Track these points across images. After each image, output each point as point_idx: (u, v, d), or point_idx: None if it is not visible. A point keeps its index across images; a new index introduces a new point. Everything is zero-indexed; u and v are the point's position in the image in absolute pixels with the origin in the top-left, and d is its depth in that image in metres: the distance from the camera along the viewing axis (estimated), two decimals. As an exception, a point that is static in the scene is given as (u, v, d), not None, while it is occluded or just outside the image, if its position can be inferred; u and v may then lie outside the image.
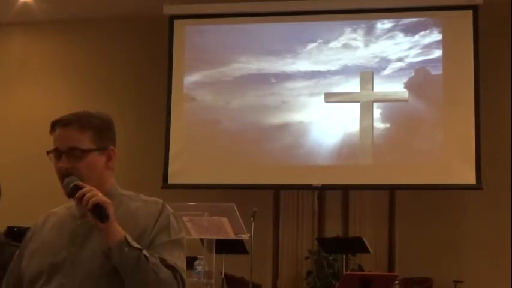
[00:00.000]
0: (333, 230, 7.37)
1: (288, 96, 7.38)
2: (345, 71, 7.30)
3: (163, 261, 1.91)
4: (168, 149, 7.40)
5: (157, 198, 2.06)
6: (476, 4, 7.03)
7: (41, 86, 8.29)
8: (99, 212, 1.86)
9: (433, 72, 7.14)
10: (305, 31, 7.45)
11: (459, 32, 7.13)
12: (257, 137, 7.37)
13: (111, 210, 1.88)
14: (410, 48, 7.21)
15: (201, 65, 7.57)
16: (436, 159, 7.02)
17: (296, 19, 7.47)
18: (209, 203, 5.94)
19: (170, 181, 7.31)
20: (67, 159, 1.97)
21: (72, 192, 1.92)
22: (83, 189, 1.90)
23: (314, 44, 7.41)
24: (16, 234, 5.80)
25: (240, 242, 6.08)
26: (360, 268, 6.99)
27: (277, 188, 7.52)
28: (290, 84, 7.40)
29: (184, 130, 7.50)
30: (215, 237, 5.49)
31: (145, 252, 1.88)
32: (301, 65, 7.40)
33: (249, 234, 5.91)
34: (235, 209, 5.61)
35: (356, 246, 6.33)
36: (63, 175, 1.97)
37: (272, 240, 7.58)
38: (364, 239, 6.23)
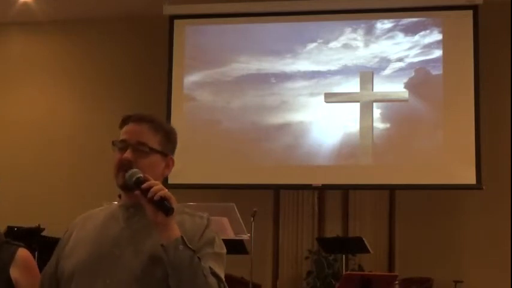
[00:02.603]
0: (333, 230, 7.37)
1: (288, 96, 7.38)
2: (345, 71, 7.30)
3: (210, 269, 1.94)
4: (168, 149, 7.39)
5: (201, 213, 2.09)
6: (476, 4, 7.03)
7: (41, 86, 8.30)
8: (165, 204, 1.88)
9: (433, 72, 7.14)
10: (305, 31, 7.45)
11: (459, 32, 7.13)
12: (257, 137, 7.37)
13: (175, 205, 1.90)
14: (410, 48, 7.21)
15: (201, 65, 7.57)
16: (436, 159, 7.01)
17: (296, 19, 7.46)
18: (209, 203, 5.94)
19: (170, 181, 7.25)
20: (133, 152, 2.01)
21: (135, 183, 1.93)
22: (151, 181, 1.92)
23: (314, 44, 7.41)
24: (16, 234, 5.80)
25: (240, 242, 6.07)
26: (360, 268, 7.00)
27: (277, 188, 7.51)
28: (290, 84, 7.40)
29: (184, 130, 7.49)
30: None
31: (198, 255, 1.91)
32: (301, 65, 7.40)
33: (249, 234, 5.91)
34: (235, 209, 5.61)
35: (356, 246, 6.32)
36: (123, 166, 1.99)
37: (272, 240, 7.58)
38: (364, 239, 6.23)
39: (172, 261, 1.87)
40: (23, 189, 7.85)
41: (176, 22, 7.60)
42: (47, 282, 2.10)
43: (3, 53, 8.46)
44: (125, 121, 2.08)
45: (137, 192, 1.93)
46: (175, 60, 7.54)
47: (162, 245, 1.89)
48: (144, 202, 1.91)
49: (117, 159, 2.03)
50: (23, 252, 2.27)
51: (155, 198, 1.88)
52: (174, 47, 7.55)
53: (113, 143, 2.07)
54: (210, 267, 1.94)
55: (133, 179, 1.95)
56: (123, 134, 2.06)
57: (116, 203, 2.12)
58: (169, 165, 2.09)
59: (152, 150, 2.03)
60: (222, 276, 2.00)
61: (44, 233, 6.15)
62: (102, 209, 2.16)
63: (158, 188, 1.89)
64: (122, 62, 8.10)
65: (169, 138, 2.09)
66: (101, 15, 8.05)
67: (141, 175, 1.95)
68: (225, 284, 1.99)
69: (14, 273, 2.21)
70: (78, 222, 2.14)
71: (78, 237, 2.07)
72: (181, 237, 1.90)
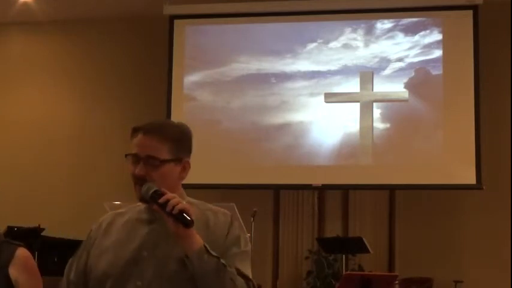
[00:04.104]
0: (333, 230, 7.37)
1: (288, 96, 7.38)
2: (345, 71, 7.30)
3: (237, 270, 1.98)
4: (168, 149, 7.39)
5: (225, 210, 2.13)
6: (476, 4, 7.03)
7: (40, 86, 8.29)
8: (184, 217, 1.90)
9: (433, 72, 7.14)
10: (305, 31, 7.44)
11: (459, 32, 7.13)
12: (257, 137, 7.37)
13: (193, 217, 1.93)
14: (410, 48, 7.21)
15: (201, 65, 7.57)
16: (436, 159, 7.01)
17: (296, 19, 7.46)
18: (209, 203, 5.93)
19: (170, 181, 7.29)
20: (144, 166, 2.03)
21: (151, 198, 1.96)
22: (166, 195, 1.94)
23: (314, 44, 7.41)
24: (16, 234, 5.80)
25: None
26: (360, 268, 6.99)
27: (277, 188, 7.51)
28: (290, 84, 7.40)
29: (185, 130, 7.49)
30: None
31: (223, 260, 1.94)
32: (301, 65, 7.40)
33: (249, 234, 5.91)
34: (235, 209, 5.61)
35: (356, 246, 6.32)
36: (138, 180, 2.02)
37: (272, 240, 7.57)
38: (364, 239, 6.23)
39: (198, 272, 1.91)
40: (23, 189, 7.85)
41: (176, 22, 7.60)
42: (75, 278, 2.11)
43: (3, 53, 8.45)
44: (134, 132, 2.09)
45: (155, 206, 1.96)
46: (175, 60, 7.54)
47: (186, 256, 1.92)
48: (163, 215, 1.94)
49: (131, 173, 2.05)
50: (22, 252, 2.27)
51: (174, 212, 1.91)
52: (174, 47, 7.55)
53: (126, 156, 2.09)
54: (238, 269, 1.98)
55: (149, 193, 1.98)
56: (134, 146, 2.07)
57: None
58: (185, 167, 2.13)
59: (162, 162, 2.05)
60: (249, 273, 2.04)
61: (44, 233, 6.14)
62: (129, 210, 2.17)
63: (176, 201, 1.92)
64: (122, 62, 8.09)
65: (180, 143, 2.11)
66: (101, 15, 8.05)
67: (156, 188, 1.98)
68: (253, 282, 2.03)
69: (13, 272, 2.21)
70: (105, 222, 2.16)
71: (106, 238, 2.10)
72: (204, 245, 1.93)
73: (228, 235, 2.05)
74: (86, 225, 2.35)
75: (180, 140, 2.11)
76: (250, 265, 2.08)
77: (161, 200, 1.93)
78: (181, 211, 1.91)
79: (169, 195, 1.95)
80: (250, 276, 2.04)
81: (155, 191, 1.97)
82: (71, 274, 2.13)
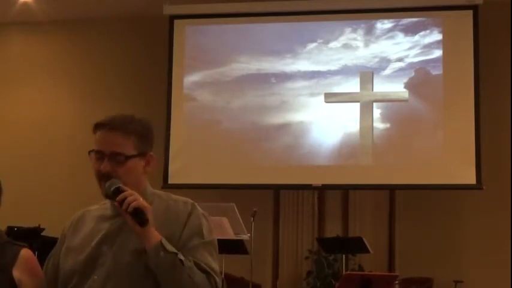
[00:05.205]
0: (333, 230, 7.37)
1: (288, 96, 7.38)
2: (345, 71, 7.30)
3: (197, 264, 1.97)
4: (168, 149, 7.40)
5: (187, 198, 2.13)
6: (476, 4, 7.03)
7: (40, 86, 8.29)
8: (138, 216, 1.92)
9: (433, 72, 7.14)
10: (305, 31, 7.45)
11: (459, 32, 7.13)
12: (257, 137, 7.37)
13: (150, 215, 1.94)
14: (410, 48, 7.21)
15: (201, 65, 7.57)
16: (436, 159, 7.01)
17: (296, 19, 7.47)
18: (209, 203, 5.94)
19: (170, 181, 7.30)
20: (109, 162, 2.04)
21: (113, 194, 1.98)
22: (125, 193, 1.96)
23: (314, 44, 7.41)
24: (16, 234, 5.79)
25: (240, 242, 6.07)
26: (360, 268, 6.99)
27: (277, 188, 7.51)
28: (290, 84, 7.40)
29: (184, 130, 7.50)
30: (215, 237, 5.47)
31: (180, 256, 1.94)
32: (301, 65, 7.40)
33: (249, 234, 5.92)
34: (235, 209, 5.62)
35: (356, 246, 6.32)
36: (103, 177, 2.04)
37: (272, 240, 7.57)
38: (364, 239, 6.23)
39: (154, 268, 1.92)
40: (23, 189, 7.84)
41: (176, 22, 7.60)
42: (51, 273, 2.17)
43: (3, 53, 8.45)
44: (97, 128, 2.10)
45: (116, 203, 1.98)
46: (175, 60, 7.54)
47: (145, 252, 1.93)
48: (122, 212, 1.96)
49: (96, 170, 2.07)
50: (26, 253, 2.27)
51: (129, 210, 1.92)
52: (174, 47, 7.55)
53: (89, 153, 2.10)
54: (197, 263, 1.96)
55: (111, 190, 1.99)
56: (97, 142, 2.09)
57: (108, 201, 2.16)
58: (149, 161, 2.12)
59: (128, 158, 2.05)
60: (214, 264, 2.02)
61: (44, 233, 6.15)
62: (98, 207, 2.20)
63: (131, 199, 1.93)
64: (122, 62, 8.09)
65: (144, 137, 2.11)
66: (101, 15, 8.05)
67: (119, 185, 1.99)
68: (216, 275, 2.01)
69: (17, 273, 2.22)
70: (75, 220, 2.20)
71: (74, 236, 2.14)
72: (161, 242, 1.93)
73: (188, 224, 2.04)
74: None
75: (143, 134, 2.11)
76: (216, 254, 2.06)
77: (118, 198, 1.95)
78: (136, 209, 1.92)
79: (127, 192, 1.96)
80: (215, 268, 2.02)
81: (117, 188, 1.98)
82: (47, 270, 2.19)
